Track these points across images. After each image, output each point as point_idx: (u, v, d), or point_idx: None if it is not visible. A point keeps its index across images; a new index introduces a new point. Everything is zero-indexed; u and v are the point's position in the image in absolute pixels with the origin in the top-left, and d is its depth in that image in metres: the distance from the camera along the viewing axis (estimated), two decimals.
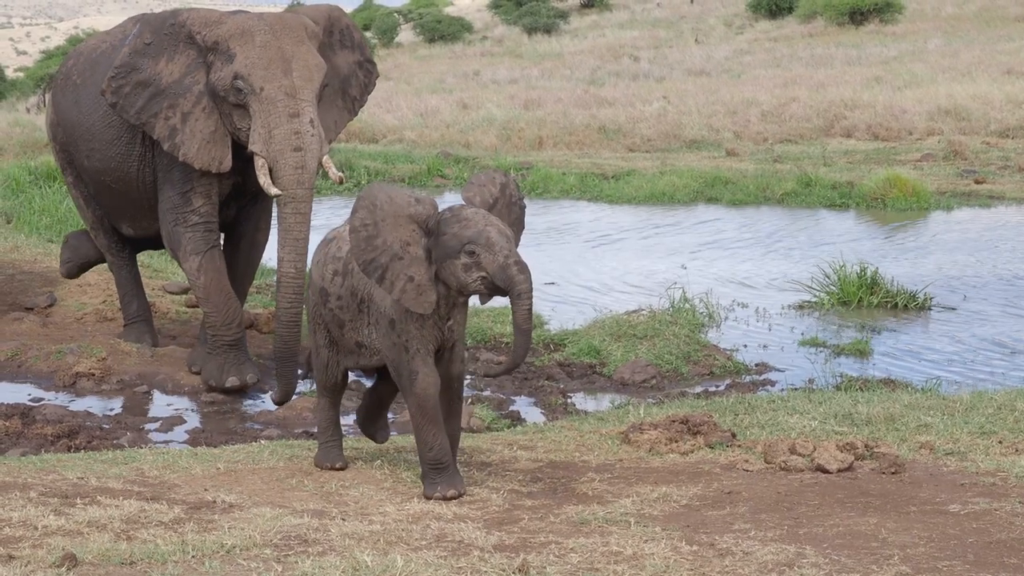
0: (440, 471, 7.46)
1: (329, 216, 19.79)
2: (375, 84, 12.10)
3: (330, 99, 11.44)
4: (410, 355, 7.44)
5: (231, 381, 11.24)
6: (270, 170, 10.52)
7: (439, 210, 7.55)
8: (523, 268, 7.19)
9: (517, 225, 7.76)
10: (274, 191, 10.50)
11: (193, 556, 6.07)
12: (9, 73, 55.94)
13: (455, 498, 7.39)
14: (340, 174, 10.82)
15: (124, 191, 11.86)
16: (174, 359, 12.19)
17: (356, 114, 11.96)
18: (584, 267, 17.56)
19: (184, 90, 11.00)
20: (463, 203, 7.58)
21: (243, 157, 10.93)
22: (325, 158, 10.70)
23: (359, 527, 6.61)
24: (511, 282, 7.16)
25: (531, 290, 7.17)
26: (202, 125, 10.93)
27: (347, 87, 11.72)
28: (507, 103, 34.86)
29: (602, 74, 45.86)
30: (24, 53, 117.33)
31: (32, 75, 52.48)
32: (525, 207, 7.93)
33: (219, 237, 11.63)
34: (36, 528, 6.48)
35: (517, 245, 7.45)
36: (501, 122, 31.56)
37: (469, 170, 27.29)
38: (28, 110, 39.46)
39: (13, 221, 19.00)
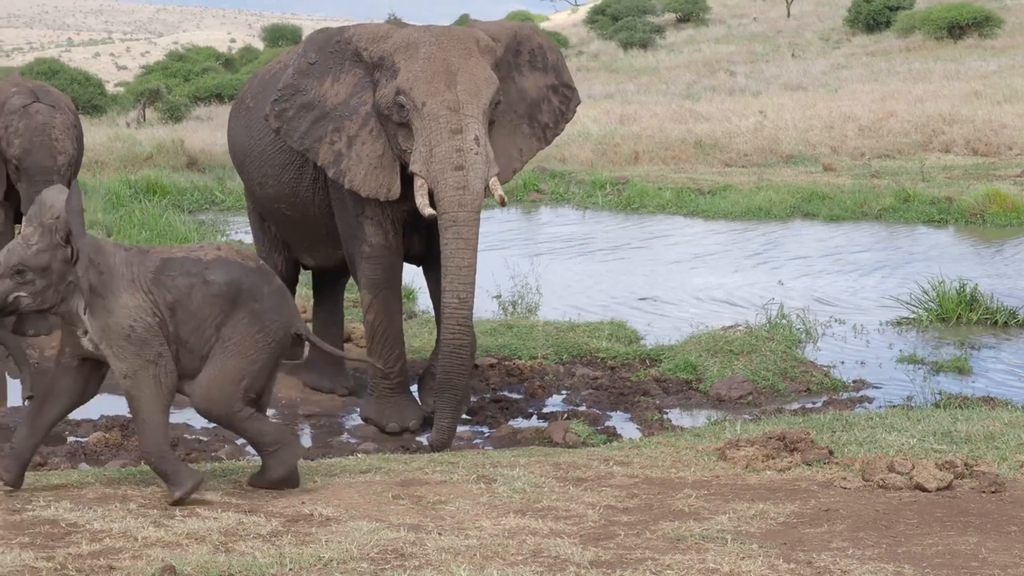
0: None
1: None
2: (575, 111, 11.29)
3: (514, 124, 10.75)
4: None
5: (392, 427, 10.77)
6: (431, 192, 9.85)
7: None
8: None
9: None
10: (428, 211, 9.83)
11: (291, 569, 6.10)
12: (110, 88, 56.55)
13: None
14: (502, 194, 10.05)
15: (300, 219, 11.39)
16: None
17: (548, 143, 11.11)
18: (680, 282, 17.52)
19: (350, 112, 10.38)
20: None
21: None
22: (492, 180, 9.94)
23: (455, 542, 6.61)
24: None
25: None
26: (369, 149, 10.28)
27: (536, 112, 10.92)
28: (603, 118, 34.84)
29: (698, 89, 45.81)
30: (124, 68, 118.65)
31: (132, 90, 53.02)
32: None
33: (398, 271, 10.92)
34: (136, 539, 6.55)
35: None
36: (597, 137, 31.55)
37: (565, 185, 27.31)
38: (128, 124, 39.88)
39: (113, 235, 19.20)
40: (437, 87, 9.88)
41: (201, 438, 10.54)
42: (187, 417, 11.16)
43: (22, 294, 7.56)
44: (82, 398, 7.96)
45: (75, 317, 7.58)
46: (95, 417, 10.97)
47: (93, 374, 7.81)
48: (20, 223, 13.19)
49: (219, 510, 7.17)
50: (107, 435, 10.37)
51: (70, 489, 7.72)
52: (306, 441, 10.65)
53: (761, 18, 68.18)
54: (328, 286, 12.21)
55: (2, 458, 7.80)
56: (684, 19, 69.26)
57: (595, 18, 69.34)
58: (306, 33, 66.13)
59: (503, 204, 10.35)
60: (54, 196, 7.58)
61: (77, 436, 10.62)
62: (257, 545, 6.47)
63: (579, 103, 11.35)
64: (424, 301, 14.46)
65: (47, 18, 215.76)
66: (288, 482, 7.80)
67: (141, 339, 7.48)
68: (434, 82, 9.90)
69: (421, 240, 10.77)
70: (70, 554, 6.25)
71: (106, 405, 11.50)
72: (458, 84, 9.93)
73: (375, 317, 10.74)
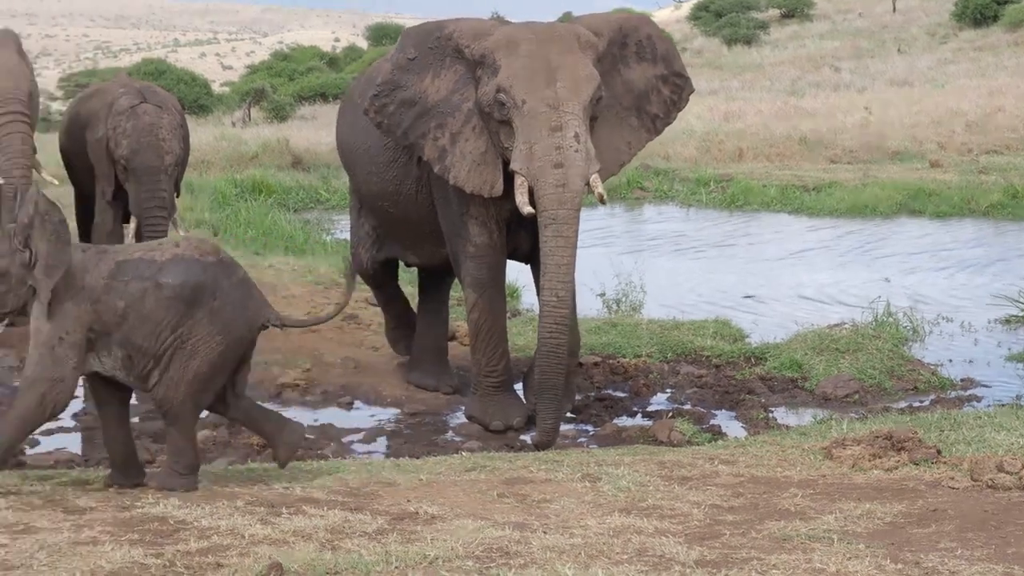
0: None
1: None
2: (687, 100, 11.10)
3: (620, 117, 10.66)
4: None
5: (495, 425, 10.74)
6: (531, 190, 9.81)
7: None
8: None
9: None
10: (528, 210, 9.81)
11: (396, 567, 6.12)
12: (215, 88, 57.00)
13: None
14: (602, 192, 10.01)
15: (403, 217, 11.41)
16: (377, 371, 12.32)
17: (658, 133, 10.98)
18: (785, 280, 17.42)
19: (452, 109, 10.36)
20: None
21: None
22: (593, 177, 9.90)
23: (560, 540, 6.61)
24: None
25: None
26: (472, 146, 10.25)
27: (644, 103, 10.78)
28: (707, 115, 34.67)
29: (802, 85, 45.46)
30: (230, 68, 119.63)
31: (237, 90, 53.38)
32: None
33: (502, 271, 10.91)
34: (243, 536, 6.60)
35: None
36: (701, 134, 31.41)
37: (669, 183, 27.22)
38: (233, 124, 40.17)
39: (220, 233, 19.37)
40: (537, 84, 9.86)
41: (308, 436, 10.58)
42: (292, 416, 11.23)
43: None
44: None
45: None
46: (203, 415, 11.05)
47: None
48: (128, 222, 13.36)
49: (325, 508, 7.21)
50: (214, 433, 10.46)
51: None
52: (410, 439, 10.69)
53: (866, 13, 67.53)
54: (433, 285, 12.21)
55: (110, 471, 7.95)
56: (788, 15, 68.74)
57: (699, 14, 69.04)
58: None
59: (603, 202, 10.29)
60: (27, 199, 7.62)
61: None
62: (363, 543, 6.50)
63: (692, 91, 11.18)
64: (528, 299, 14.48)
65: (154, 19, 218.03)
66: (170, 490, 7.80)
67: (60, 355, 7.48)
68: (534, 80, 9.88)
69: (527, 238, 10.67)
70: (178, 551, 6.31)
71: None
72: (558, 81, 9.89)
73: (479, 316, 10.73)
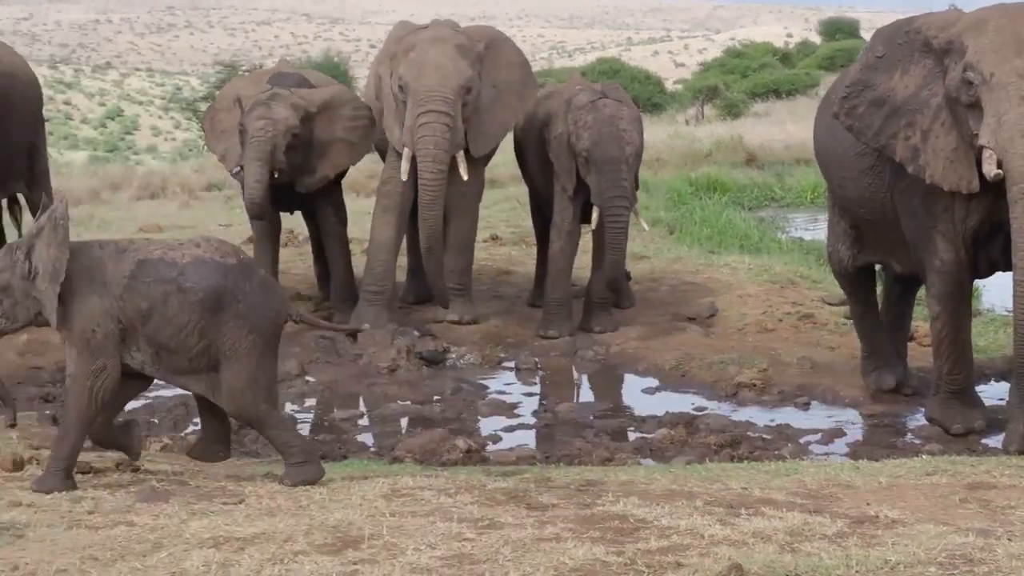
0: None
1: None
2: None
3: None
4: None
5: (956, 428, 10.51)
6: (999, 163, 9.35)
7: None
8: None
9: None
10: (995, 172, 9.33)
11: (856, 571, 6.05)
12: (668, 86, 57.48)
13: None
14: None
15: (877, 223, 11.11)
16: (834, 371, 12.20)
17: None
18: None
19: (920, 105, 10.09)
20: None
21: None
22: None
23: None
24: None
25: None
26: (943, 143, 9.91)
27: None
28: None
29: None
30: (682, 65, 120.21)
31: (690, 87, 53.66)
32: None
33: (968, 286, 10.53)
34: (703, 537, 6.63)
35: None
36: None
37: None
38: (687, 122, 40.41)
39: (675, 232, 19.51)
40: (1006, 55, 9.50)
41: (765, 436, 10.59)
42: (749, 416, 11.25)
43: None
44: (135, 389, 8.20)
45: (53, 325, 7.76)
46: (660, 413, 11.19)
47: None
48: (586, 222, 13.68)
49: (784, 509, 7.19)
50: (672, 431, 10.56)
51: (637, 485, 7.90)
52: (869, 440, 10.57)
53: None
54: (902, 290, 11.98)
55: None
56: None
57: None
58: (864, 27, 65.49)
59: None
60: (48, 208, 7.76)
61: (643, 432, 10.85)
62: (823, 546, 6.44)
63: None
64: (989, 299, 14.12)
65: (607, 18, 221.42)
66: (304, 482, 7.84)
67: (97, 346, 7.59)
68: (1002, 51, 9.52)
69: (999, 250, 10.19)
70: (639, 549, 6.37)
71: (671, 401, 11.74)
72: None
73: (942, 327, 10.42)
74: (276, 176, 13.50)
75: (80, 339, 7.65)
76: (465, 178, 13.63)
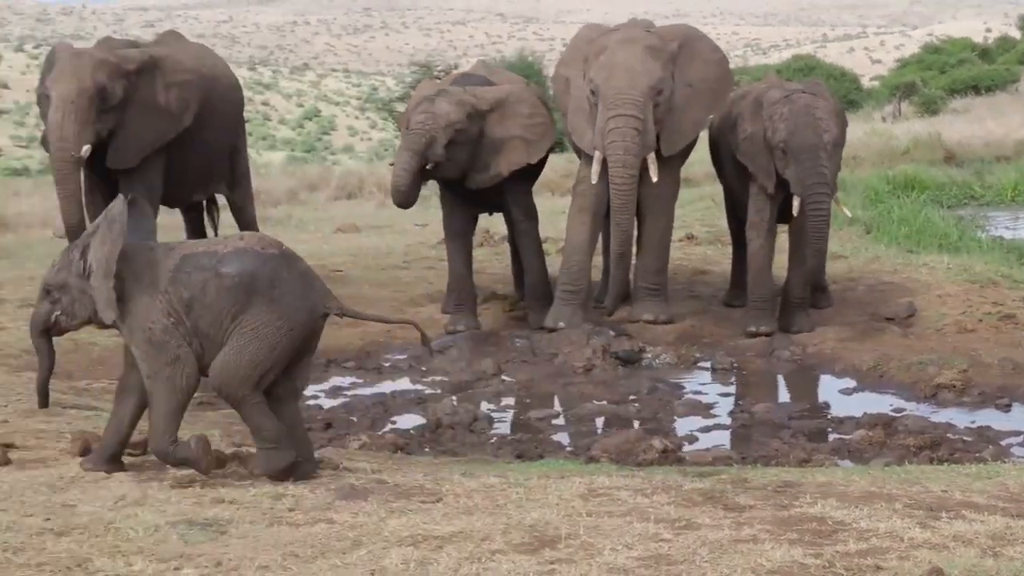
0: None
1: None
2: None
3: None
4: None
5: None
6: None
7: None
8: None
9: None
10: None
11: None
12: (864, 82, 56.84)
13: None
14: None
15: None
16: None
17: None
18: None
19: None
20: None
21: None
22: None
23: None
24: None
25: None
26: None
27: None
28: None
29: None
30: (878, 62, 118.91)
31: (887, 84, 52.99)
32: None
33: None
34: (902, 540, 6.56)
35: None
36: None
37: None
38: (884, 119, 39.93)
39: (872, 231, 19.29)
40: None
41: (965, 438, 10.42)
42: (948, 417, 11.09)
43: (58, 313, 7.83)
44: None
45: (113, 324, 7.74)
46: (858, 415, 11.09)
47: None
48: (787, 213, 13.56)
49: (986, 513, 7.08)
50: (870, 433, 10.45)
51: (835, 486, 7.83)
52: None
53: None
54: None
55: (92, 453, 8.06)
56: None
57: None
58: None
59: None
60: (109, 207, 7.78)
61: (840, 433, 10.75)
62: None
63: None
64: None
65: (803, 15, 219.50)
66: (271, 477, 7.74)
67: (159, 341, 7.58)
68: None
69: None
70: (837, 552, 6.33)
71: (869, 402, 11.62)
72: None
73: None
74: (429, 168, 13.59)
75: (141, 338, 7.74)
76: (655, 179, 13.58)
